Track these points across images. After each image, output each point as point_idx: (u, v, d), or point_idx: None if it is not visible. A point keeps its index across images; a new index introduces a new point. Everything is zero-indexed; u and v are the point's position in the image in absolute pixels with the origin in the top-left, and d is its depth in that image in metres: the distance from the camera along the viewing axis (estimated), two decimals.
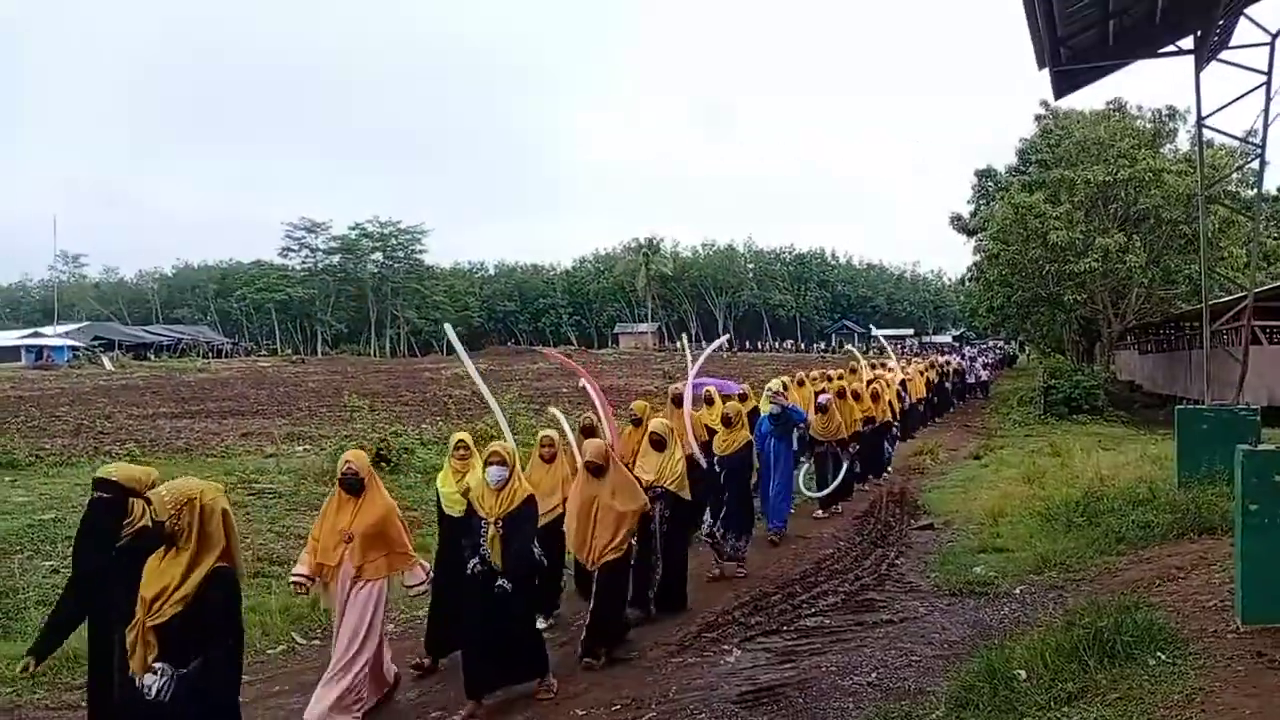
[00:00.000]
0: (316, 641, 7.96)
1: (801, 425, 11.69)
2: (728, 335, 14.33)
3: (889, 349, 25.60)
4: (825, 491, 12.76)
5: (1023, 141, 36.26)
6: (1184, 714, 4.82)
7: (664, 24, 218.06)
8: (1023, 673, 5.85)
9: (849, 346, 23.35)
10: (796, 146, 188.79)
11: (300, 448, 17.76)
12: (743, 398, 13.19)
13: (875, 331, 25.47)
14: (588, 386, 9.76)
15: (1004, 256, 30.47)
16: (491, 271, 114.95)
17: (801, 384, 15.95)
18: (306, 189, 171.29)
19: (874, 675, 6.52)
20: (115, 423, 22.95)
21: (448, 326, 9.73)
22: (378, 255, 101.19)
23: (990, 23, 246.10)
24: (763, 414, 12.80)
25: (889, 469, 16.72)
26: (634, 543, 7.34)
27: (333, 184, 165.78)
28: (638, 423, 9.88)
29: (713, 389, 12.25)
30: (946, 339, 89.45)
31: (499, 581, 5.85)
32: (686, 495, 8.38)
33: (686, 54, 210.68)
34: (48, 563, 9.12)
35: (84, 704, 5.12)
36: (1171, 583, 7.71)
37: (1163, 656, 5.79)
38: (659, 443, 8.30)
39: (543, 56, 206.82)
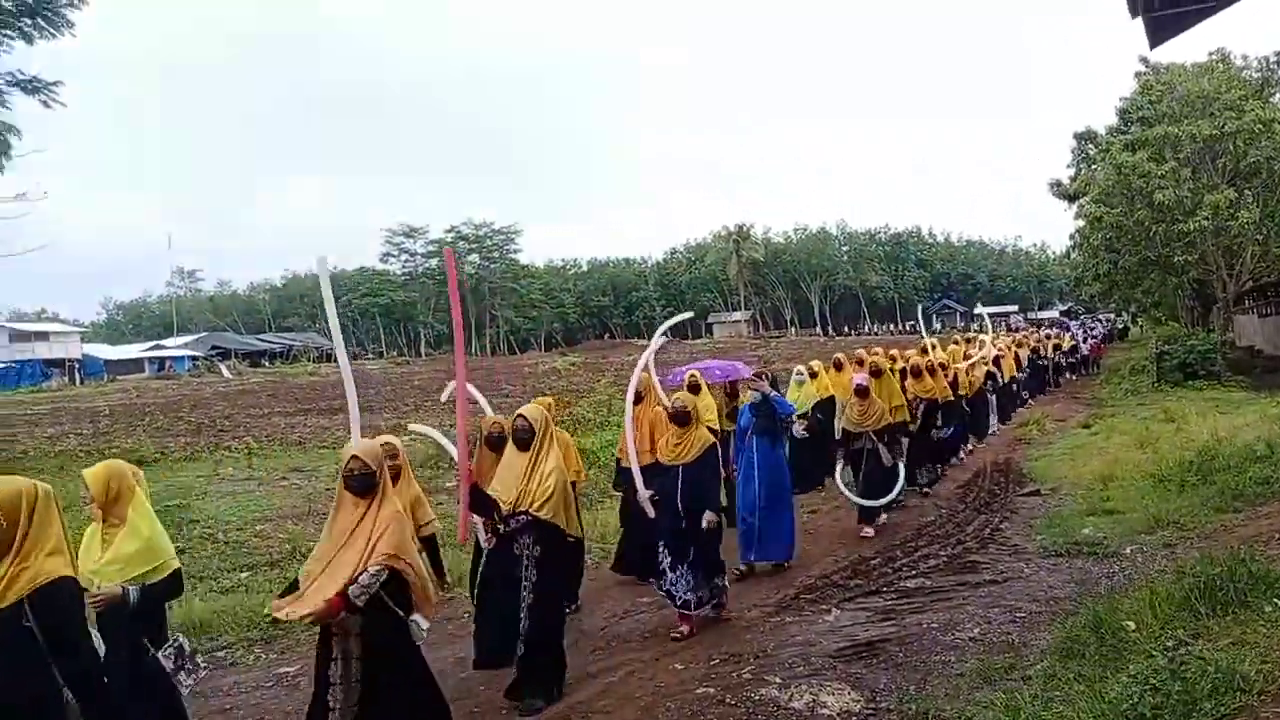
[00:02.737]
0: None
1: (788, 420, 9.09)
2: (665, 328, 9.45)
3: (989, 326, 22.85)
4: (882, 500, 10.00)
5: (1123, 100, 34.73)
6: None
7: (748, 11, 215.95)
8: (1131, 623, 5.72)
9: (923, 326, 21.05)
10: (888, 123, 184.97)
11: (407, 438, 18.30)
12: (770, 381, 9.89)
13: (981, 310, 22.63)
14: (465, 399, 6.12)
15: (1108, 220, 29.24)
16: (584, 267, 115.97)
17: (840, 367, 13.57)
18: (404, 196, 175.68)
19: (976, 631, 6.46)
20: (234, 422, 24.06)
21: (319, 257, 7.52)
22: (474, 257, 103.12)
23: None
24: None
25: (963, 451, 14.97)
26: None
27: (428, 189, 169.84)
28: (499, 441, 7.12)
29: (697, 374, 10.13)
30: (1053, 314, 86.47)
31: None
32: (564, 524, 5.78)
33: (771, 39, 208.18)
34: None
35: None
36: None
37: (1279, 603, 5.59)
38: (523, 443, 5.88)
39: (628, 54, 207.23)
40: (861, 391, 10.25)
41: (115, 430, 23.53)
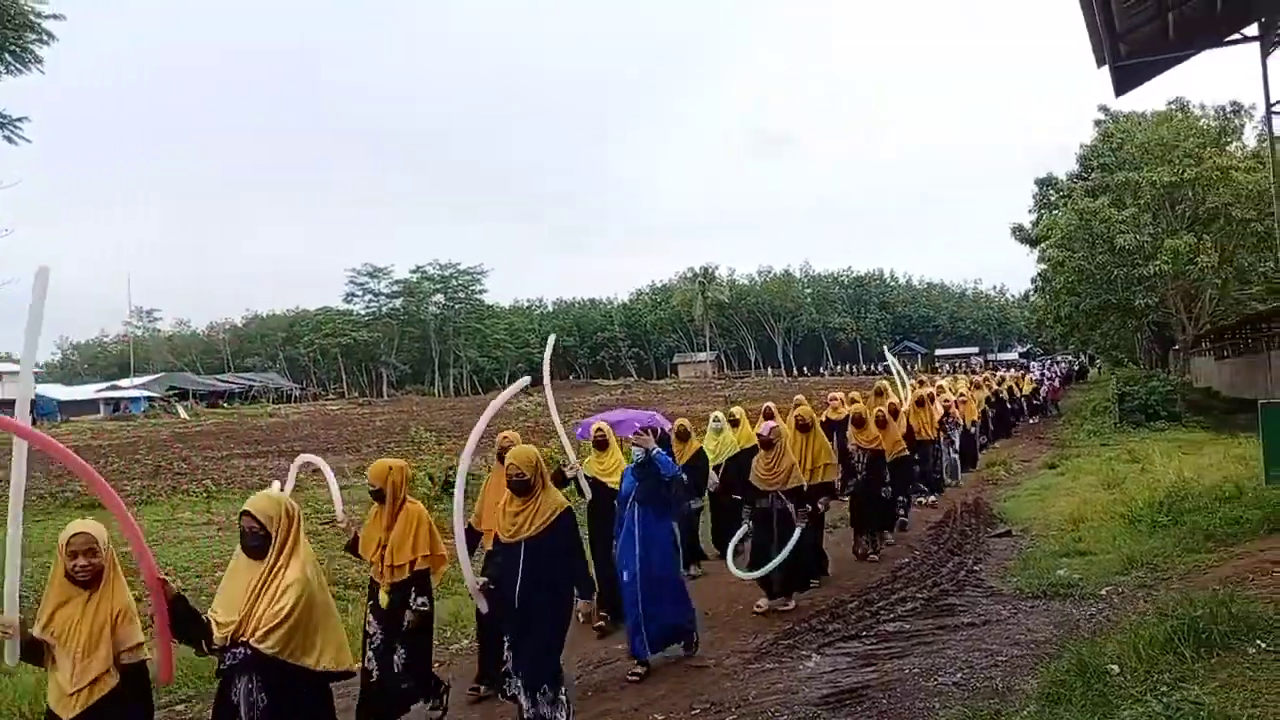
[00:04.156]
0: None
1: (673, 483, 7.15)
2: (526, 380, 8.78)
3: (895, 370, 18.02)
4: (762, 571, 8.35)
5: (1083, 148, 35.68)
6: None
7: (714, 53, 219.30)
8: (1115, 667, 5.67)
9: (895, 366, 18.06)
10: (853, 168, 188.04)
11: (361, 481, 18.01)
12: (681, 435, 10.33)
13: (888, 355, 18.10)
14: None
15: (1070, 264, 29.83)
16: (550, 308, 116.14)
17: (770, 416, 11.43)
18: (367, 236, 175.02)
19: (959, 675, 6.36)
20: (191, 464, 23.55)
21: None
22: (439, 297, 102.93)
23: (1044, 27, 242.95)
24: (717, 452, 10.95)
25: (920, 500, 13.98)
26: None
27: (392, 230, 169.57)
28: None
29: (605, 426, 8.87)
30: (1013, 355, 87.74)
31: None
32: (299, 659, 3.98)
33: (738, 83, 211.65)
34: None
35: None
36: (1266, 576, 7.43)
37: (1262, 644, 5.57)
38: (255, 549, 4.11)
39: (597, 91, 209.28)
40: (765, 443, 8.74)
41: (67, 474, 22.91)
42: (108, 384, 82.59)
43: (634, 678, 6.74)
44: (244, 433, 37.57)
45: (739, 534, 8.92)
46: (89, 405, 70.43)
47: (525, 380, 7.86)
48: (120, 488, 18.53)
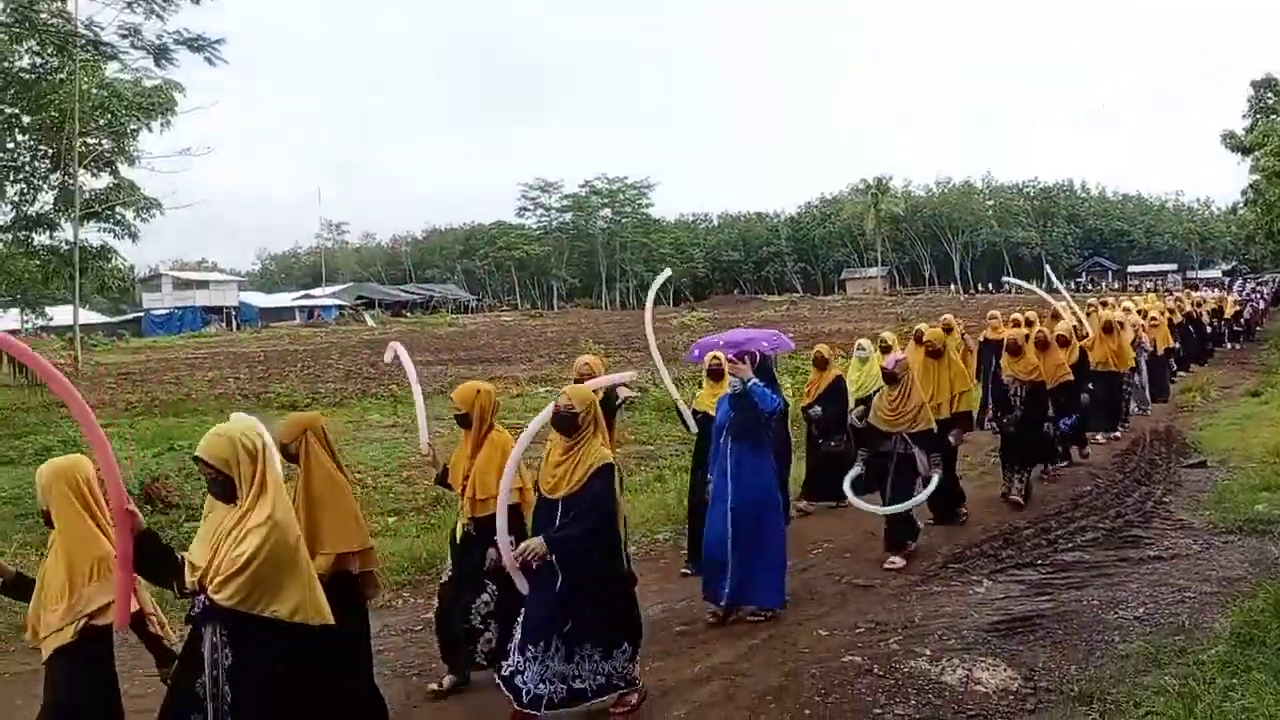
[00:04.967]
0: None
1: (771, 417, 6.53)
2: (668, 271, 8.34)
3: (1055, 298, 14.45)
4: (896, 508, 7.46)
5: None
6: None
7: None
8: None
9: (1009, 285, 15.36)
10: (1040, 66, 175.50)
11: (542, 389, 18.64)
12: (818, 363, 9.58)
13: (1012, 280, 15.66)
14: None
15: None
16: (715, 222, 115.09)
17: (920, 340, 10.79)
18: (541, 152, 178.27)
19: (1141, 610, 6.11)
20: (379, 369, 25.04)
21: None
22: (606, 211, 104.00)
23: None
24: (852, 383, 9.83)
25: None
26: None
27: (563, 145, 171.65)
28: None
29: (720, 355, 7.74)
30: (1215, 273, 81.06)
31: None
32: (267, 609, 3.42)
33: None
34: None
35: None
36: None
37: None
38: (223, 495, 3.62)
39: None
40: (890, 377, 7.68)
41: (270, 376, 24.83)
42: (302, 292, 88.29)
43: (712, 619, 6.24)
44: (426, 341, 39.44)
45: (851, 475, 7.81)
46: (286, 313, 75.76)
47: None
48: (315, 390, 19.95)
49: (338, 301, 79.51)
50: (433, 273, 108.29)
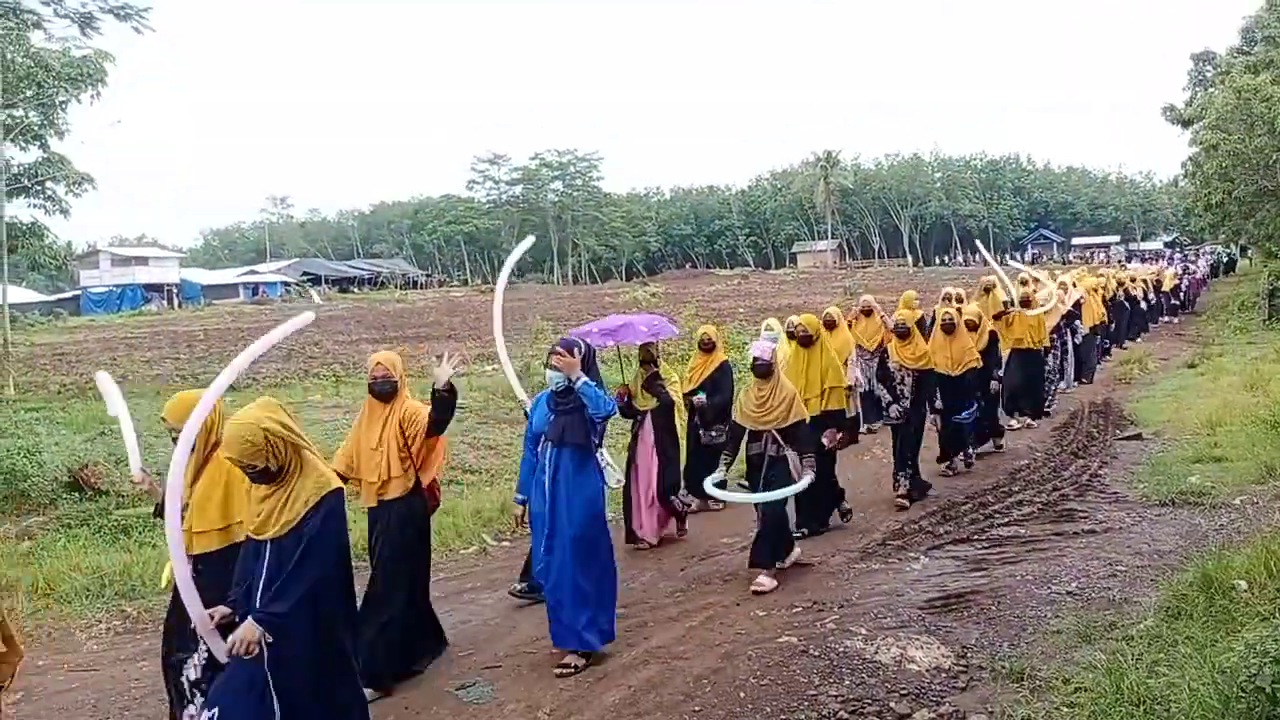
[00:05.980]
0: (505, 543, 8.33)
1: (600, 421, 5.49)
2: (531, 239, 9.40)
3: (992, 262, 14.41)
4: (767, 496, 6.64)
5: (1246, 19, 32.53)
6: None
7: None
8: (1243, 582, 5.39)
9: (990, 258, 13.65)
10: (993, 40, 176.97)
11: (490, 367, 18.45)
12: (704, 346, 8.72)
13: (982, 251, 14.94)
14: None
15: (1224, 147, 27.51)
16: (667, 195, 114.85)
17: (870, 313, 11.40)
18: (489, 124, 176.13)
19: (1074, 585, 6.19)
20: (323, 349, 24.62)
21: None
22: (557, 184, 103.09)
23: None
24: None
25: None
26: None
27: (513, 117, 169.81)
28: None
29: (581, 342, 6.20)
30: (1156, 245, 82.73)
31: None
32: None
33: None
34: None
35: None
36: None
37: None
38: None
39: None
40: (761, 370, 6.75)
41: (209, 356, 24.29)
42: (246, 269, 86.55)
43: (566, 669, 5.27)
44: (373, 318, 38.91)
45: (713, 479, 6.77)
46: (230, 290, 74.14)
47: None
48: (256, 371, 19.52)
49: (283, 278, 77.88)
50: (380, 248, 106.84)
